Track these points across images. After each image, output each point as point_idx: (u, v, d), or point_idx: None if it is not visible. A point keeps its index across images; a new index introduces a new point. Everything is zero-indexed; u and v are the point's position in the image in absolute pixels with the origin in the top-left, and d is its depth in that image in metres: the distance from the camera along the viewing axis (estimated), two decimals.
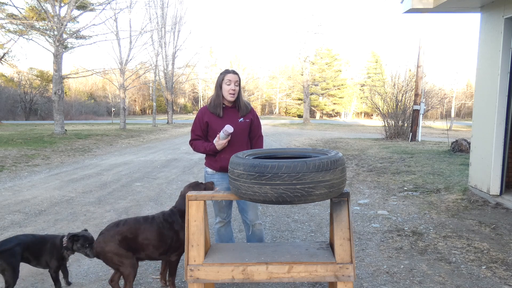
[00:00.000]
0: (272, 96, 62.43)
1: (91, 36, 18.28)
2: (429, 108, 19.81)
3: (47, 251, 2.74)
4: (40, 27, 16.84)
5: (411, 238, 4.04)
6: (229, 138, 2.89)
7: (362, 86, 51.14)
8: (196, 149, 3.06)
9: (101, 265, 3.31)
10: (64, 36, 16.03)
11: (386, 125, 16.66)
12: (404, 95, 16.54)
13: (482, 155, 5.48)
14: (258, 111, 59.88)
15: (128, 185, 6.86)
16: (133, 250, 2.59)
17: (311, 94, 45.81)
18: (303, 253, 2.36)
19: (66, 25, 15.68)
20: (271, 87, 60.26)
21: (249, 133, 3.13)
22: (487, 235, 4.05)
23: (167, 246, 2.66)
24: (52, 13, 15.19)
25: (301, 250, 2.42)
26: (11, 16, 17.83)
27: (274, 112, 63.52)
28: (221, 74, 3.02)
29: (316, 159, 2.01)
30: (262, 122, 18.23)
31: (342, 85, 54.02)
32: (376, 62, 54.63)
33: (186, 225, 2.30)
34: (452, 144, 10.99)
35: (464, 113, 50.97)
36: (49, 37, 16.03)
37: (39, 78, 39.77)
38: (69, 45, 19.78)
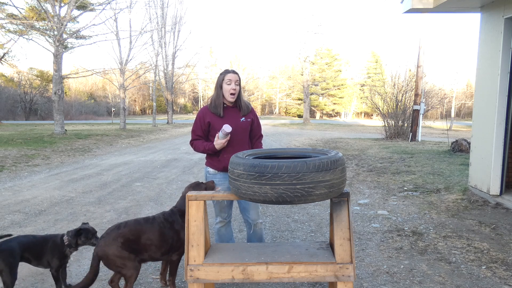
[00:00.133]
0: (272, 96, 62.42)
1: (91, 36, 18.31)
2: (429, 108, 19.80)
3: (49, 251, 2.74)
4: (40, 27, 16.85)
5: (411, 238, 4.04)
6: (228, 137, 2.89)
7: (362, 86, 51.13)
8: (196, 149, 3.06)
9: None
10: (64, 36, 16.03)
11: (386, 125, 16.66)
12: (404, 95, 16.54)
13: (482, 155, 5.48)
14: (258, 111, 59.90)
15: (128, 185, 6.86)
16: (135, 251, 2.59)
17: (311, 94, 45.81)
18: (303, 253, 2.36)
19: (66, 25, 15.68)
20: (271, 87, 60.25)
21: (250, 132, 3.13)
22: (487, 235, 4.05)
23: (168, 246, 2.67)
24: (52, 13, 15.19)
25: (301, 250, 2.42)
26: (11, 16, 17.83)
27: (274, 112, 63.51)
28: (221, 74, 3.02)
29: (316, 159, 2.01)
30: (262, 122, 18.25)
31: (342, 85, 54.02)
32: (376, 62, 54.63)
33: (186, 225, 2.30)
34: (452, 144, 10.99)
35: (464, 113, 50.96)
36: (49, 37, 16.03)
37: (39, 78, 39.78)
38: (69, 45, 19.79)
